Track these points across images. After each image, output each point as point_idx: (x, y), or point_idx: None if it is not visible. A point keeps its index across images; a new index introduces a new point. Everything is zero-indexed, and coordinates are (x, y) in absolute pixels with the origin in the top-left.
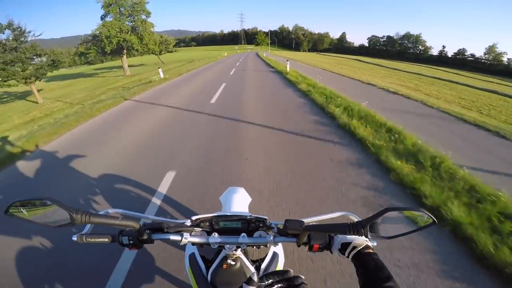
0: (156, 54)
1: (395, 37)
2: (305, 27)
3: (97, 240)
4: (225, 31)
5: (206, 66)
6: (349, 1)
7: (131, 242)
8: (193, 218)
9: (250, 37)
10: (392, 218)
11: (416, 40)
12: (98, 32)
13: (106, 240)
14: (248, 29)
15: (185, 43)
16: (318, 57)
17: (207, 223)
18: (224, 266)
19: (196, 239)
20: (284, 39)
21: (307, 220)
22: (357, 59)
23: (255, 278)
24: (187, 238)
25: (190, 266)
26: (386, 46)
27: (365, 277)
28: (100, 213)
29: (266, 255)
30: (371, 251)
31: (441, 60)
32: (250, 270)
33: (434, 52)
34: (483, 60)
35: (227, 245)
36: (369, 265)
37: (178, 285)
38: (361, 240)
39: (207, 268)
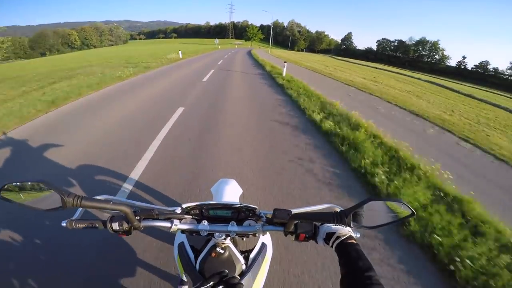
0: None
1: (407, 42)
2: (302, 24)
3: (87, 225)
4: (212, 23)
5: None
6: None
7: (121, 228)
8: (184, 206)
9: (239, 30)
10: (374, 208)
11: (433, 47)
12: None
13: (96, 225)
14: (238, 22)
15: (165, 34)
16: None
17: (197, 211)
18: (213, 254)
19: (185, 226)
20: (278, 36)
21: (295, 211)
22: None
23: (243, 268)
24: (176, 225)
25: (178, 255)
26: (396, 52)
27: (346, 266)
28: (93, 198)
29: (255, 246)
30: (353, 241)
31: (459, 72)
32: (238, 259)
33: (452, 62)
34: (506, 76)
35: (217, 234)
36: (351, 255)
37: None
38: (345, 231)
39: (196, 258)
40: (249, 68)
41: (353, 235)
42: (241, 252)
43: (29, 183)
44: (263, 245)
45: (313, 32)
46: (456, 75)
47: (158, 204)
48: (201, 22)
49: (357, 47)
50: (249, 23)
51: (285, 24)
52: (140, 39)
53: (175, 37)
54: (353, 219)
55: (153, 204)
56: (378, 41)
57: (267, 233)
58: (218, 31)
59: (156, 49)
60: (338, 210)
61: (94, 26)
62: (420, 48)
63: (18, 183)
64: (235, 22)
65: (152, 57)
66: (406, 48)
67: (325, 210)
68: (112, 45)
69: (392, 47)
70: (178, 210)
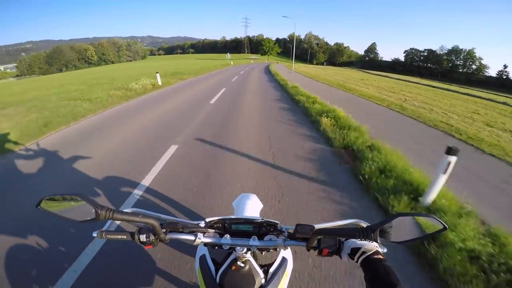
0: None
1: (438, 52)
2: (320, 36)
3: (116, 237)
4: (228, 38)
5: None
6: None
7: (148, 240)
8: (207, 220)
9: (255, 45)
10: (402, 223)
11: (468, 56)
12: None
13: (125, 237)
14: (253, 36)
15: (183, 50)
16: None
17: (220, 225)
18: (234, 267)
19: (208, 240)
20: (295, 49)
21: (318, 226)
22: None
23: (263, 282)
24: (200, 238)
25: (200, 267)
26: (425, 62)
27: (372, 282)
28: (123, 211)
29: (275, 260)
30: (380, 256)
31: (502, 83)
32: (258, 273)
33: (491, 72)
34: None
35: (238, 247)
36: (378, 271)
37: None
38: (371, 246)
39: (217, 271)
40: (277, 113)
41: (380, 250)
42: (261, 266)
43: (66, 196)
44: (284, 260)
45: (332, 44)
46: (498, 86)
47: (182, 218)
48: (218, 37)
49: (383, 58)
50: (265, 36)
51: (302, 36)
52: (159, 54)
53: (192, 53)
54: (380, 235)
55: (177, 217)
56: (406, 51)
57: (288, 247)
58: (233, 46)
59: (158, 66)
60: (363, 224)
61: (112, 41)
62: (454, 58)
63: (56, 196)
64: (250, 36)
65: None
66: (437, 58)
67: (349, 225)
68: (131, 60)
69: (421, 57)
70: (202, 224)
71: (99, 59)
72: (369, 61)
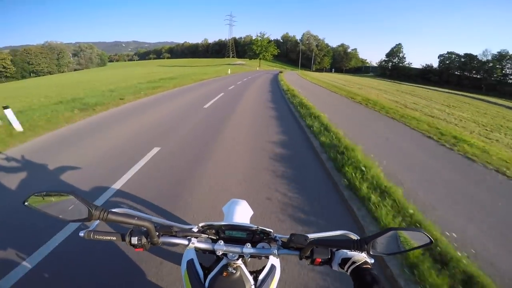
0: None
1: (480, 57)
2: (319, 36)
3: (105, 238)
4: (210, 41)
5: None
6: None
7: (139, 242)
8: (201, 224)
9: (242, 47)
10: (393, 236)
11: None
12: None
13: (114, 238)
14: (240, 38)
15: (158, 54)
16: None
17: (213, 231)
18: (225, 274)
19: (202, 245)
20: (290, 52)
21: (311, 236)
22: None
23: None
24: (194, 243)
25: (187, 271)
26: (463, 70)
27: None
28: (118, 212)
29: (264, 267)
30: (369, 266)
31: None
32: (249, 280)
33: None
34: None
35: (230, 254)
36: (366, 280)
37: None
38: (360, 256)
39: (205, 276)
40: None
41: (368, 260)
42: (251, 273)
43: (56, 193)
44: (273, 267)
45: (336, 47)
46: None
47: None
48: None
49: (412, 65)
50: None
51: (298, 37)
52: (134, 60)
53: (168, 57)
54: (371, 246)
55: (170, 220)
56: (441, 56)
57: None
58: (216, 50)
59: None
60: (353, 236)
61: (48, 46)
62: (500, 64)
63: (45, 193)
64: (236, 38)
65: None
66: (481, 64)
67: (340, 236)
68: (78, 69)
69: (456, 64)
70: (195, 229)
71: (23, 70)
72: (392, 69)
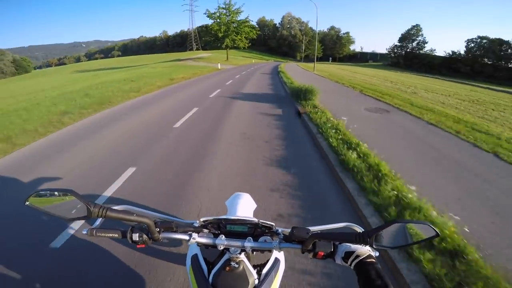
0: None
1: None
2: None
3: (107, 235)
4: (171, 33)
5: None
6: None
7: (140, 239)
8: (202, 219)
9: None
10: (397, 229)
11: None
12: None
13: (116, 235)
14: (204, 26)
15: (105, 53)
16: None
17: (215, 225)
18: (227, 268)
19: (203, 240)
20: (269, 40)
21: (313, 229)
22: None
23: (256, 283)
24: (195, 238)
25: (191, 267)
26: (499, 59)
27: (365, 285)
28: (117, 208)
29: (268, 260)
30: (373, 260)
31: None
32: (252, 274)
33: None
34: None
35: (232, 248)
36: (370, 274)
37: None
38: (364, 250)
39: (209, 271)
40: None
41: (372, 254)
42: (254, 267)
43: (57, 192)
44: (276, 260)
45: (327, 31)
46: None
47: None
48: (159, 33)
49: (435, 52)
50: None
51: (276, 21)
52: (82, 61)
53: (118, 56)
54: (374, 239)
55: (170, 215)
56: (469, 40)
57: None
58: (178, 42)
59: None
60: (357, 228)
61: None
62: None
63: (46, 192)
64: (200, 26)
65: None
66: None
67: (343, 228)
68: None
69: (482, 51)
70: (196, 224)
71: None
72: (412, 57)
